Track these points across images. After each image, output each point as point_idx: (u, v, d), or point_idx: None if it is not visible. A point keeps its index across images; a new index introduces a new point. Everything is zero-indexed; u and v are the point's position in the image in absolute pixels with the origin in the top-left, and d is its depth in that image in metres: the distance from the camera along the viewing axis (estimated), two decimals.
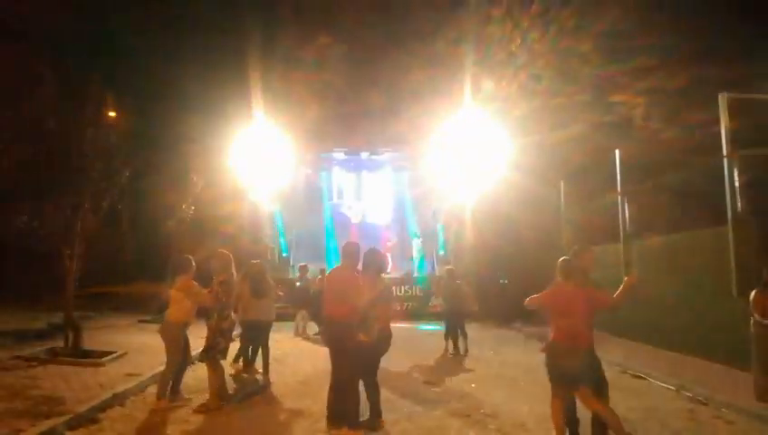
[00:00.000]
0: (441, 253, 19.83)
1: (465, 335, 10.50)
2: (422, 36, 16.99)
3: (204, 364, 6.78)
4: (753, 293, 6.69)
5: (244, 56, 15.86)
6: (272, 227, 19.50)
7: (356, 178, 21.92)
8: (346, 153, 20.75)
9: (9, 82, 8.47)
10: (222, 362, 6.59)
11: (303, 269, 13.37)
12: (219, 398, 6.45)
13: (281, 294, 8.91)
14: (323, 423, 5.63)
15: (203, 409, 6.31)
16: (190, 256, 6.70)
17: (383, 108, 17.73)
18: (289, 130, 17.32)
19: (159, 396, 6.44)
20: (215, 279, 6.49)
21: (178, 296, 6.49)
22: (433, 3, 17.28)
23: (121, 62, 13.76)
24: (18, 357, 8.28)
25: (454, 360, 9.97)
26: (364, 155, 20.82)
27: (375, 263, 5.76)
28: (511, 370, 9.00)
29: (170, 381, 6.56)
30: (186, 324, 6.60)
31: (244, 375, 8.10)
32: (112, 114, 9.60)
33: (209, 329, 6.43)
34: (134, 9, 14.03)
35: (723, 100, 8.82)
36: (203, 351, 6.52)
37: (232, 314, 6.65)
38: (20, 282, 14.53)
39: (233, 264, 6.63)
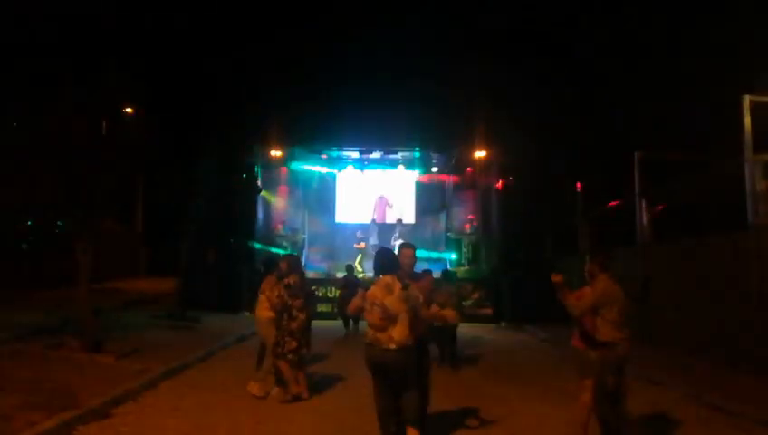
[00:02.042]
0: (453, 256, 19.69)
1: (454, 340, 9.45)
2: (440, 31, 16.92)
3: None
4: None
5: (259, 55, 15.93)
6: (283, 226, 19.51)
7: (368, 177, 21.80)
8: (360, 152, 20.58)
9: (27, 78, 8.50)
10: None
11: (350, 268, 13.36)
12: (290, 390, 6.69)
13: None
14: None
15: (287, 399, 6.63)
16: (276, 257, 7.06)
17: (398, 106, 17.68)
18: (301, 128, 17.35)
19: (277, 384, 6.79)
20: (283, 281, 6.85)
21: (262, 296, 7.07)
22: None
23: (137, 58, 13.81)
24: (32, 351, 8.33)
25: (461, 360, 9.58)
26: (377, 154, 20.66)
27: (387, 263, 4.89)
28: (524, 372, 8.91)
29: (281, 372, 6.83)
30: (272, 319, 6.92)
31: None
32: (129, 110, 9.66)
33: (278, 329, 6.74)
34: (151, 7, 14.10)
35: (746, 102, 8.68)
36: (272, 348, 6.78)
37: (301, 314, 6.85)
38: (34, 276, 14.68)
39: (301, 265, 7.15)
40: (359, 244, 18.57)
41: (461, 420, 6.08)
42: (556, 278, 4.96)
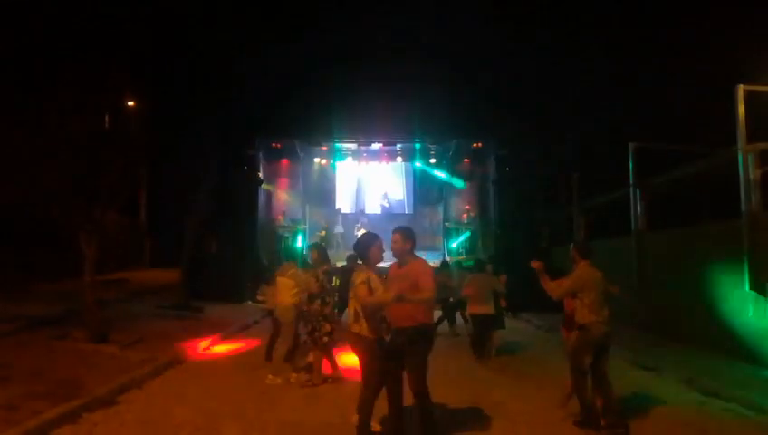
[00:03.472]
0: (453, 246, 19.85)
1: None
2: (434, 22, 16.90)
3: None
4: None
5: (259, 47, 15.93)
6: (284, 217, 19.64)
7: (367, 169, 21.87)
8: (359, 143, 20.63)
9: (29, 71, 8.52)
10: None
11: (352, 258, 13.44)
12: (321, 375, 7.00)
13: None
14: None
15: (309, 384, 6.92)
16: (296, 247, 7.23)
17: (398, 98, 17.67)
18: (302, 120, 17.40)
19: (297, 371, 7.17)
20: (318, 269, 7.09)
21: (288, 283, 7.18)
22: None
23: (140, 50, 13.79)
24: (37, 341, 8.46)
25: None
26: (376, 145, 20.71)
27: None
28: (521, 360, 9.06)
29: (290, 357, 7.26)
30: (297, 307, 7.17)
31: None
32: (131, 103, 9.71)
33: (312, 314, 6.98)
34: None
35: (740, 91, 8.71)
36: (307, 333, 7.05)
37: (332, 300, 7.18)
38: (39, 268, 14.81)
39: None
40: (320, 232, 18.89)
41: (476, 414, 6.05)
42: (535, 264, 5.30)
